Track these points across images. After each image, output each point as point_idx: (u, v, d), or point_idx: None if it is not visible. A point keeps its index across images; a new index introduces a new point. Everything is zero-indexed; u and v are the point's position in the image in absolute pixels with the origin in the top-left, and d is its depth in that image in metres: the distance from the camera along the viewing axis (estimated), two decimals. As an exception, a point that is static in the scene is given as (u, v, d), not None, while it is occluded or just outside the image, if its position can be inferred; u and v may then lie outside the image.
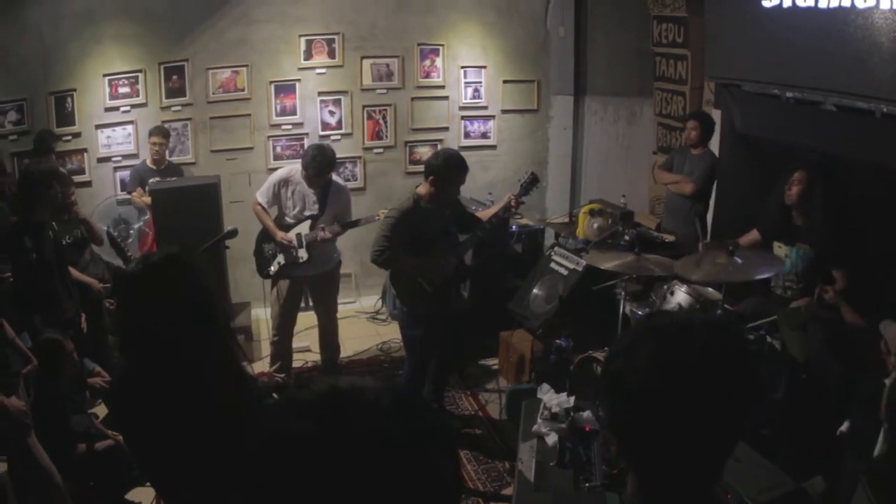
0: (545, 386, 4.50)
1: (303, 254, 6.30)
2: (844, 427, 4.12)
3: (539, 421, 4.16)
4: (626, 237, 6.49)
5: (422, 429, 1.13)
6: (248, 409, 2.90)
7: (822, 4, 5.26)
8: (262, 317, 7.76)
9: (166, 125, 7.76)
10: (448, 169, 5.30)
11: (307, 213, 6.32)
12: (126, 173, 7.72)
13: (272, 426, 1.11)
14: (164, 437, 2.59)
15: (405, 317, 5.67)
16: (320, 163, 6.09)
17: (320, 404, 1.11)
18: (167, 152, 7.65)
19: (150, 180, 7.26)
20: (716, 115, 7.25)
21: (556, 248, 6.82)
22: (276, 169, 6.87)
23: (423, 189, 5.40)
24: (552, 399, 4.25)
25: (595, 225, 6.74)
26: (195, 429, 2.55)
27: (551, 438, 3.99)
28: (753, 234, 5.88)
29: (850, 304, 4.78)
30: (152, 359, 2.67)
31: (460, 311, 5.90)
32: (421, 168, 8.59)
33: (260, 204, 6.37)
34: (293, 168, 6.35)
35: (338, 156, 8.27)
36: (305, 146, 8.21)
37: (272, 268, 6.42)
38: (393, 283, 5.75)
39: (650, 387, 1.44)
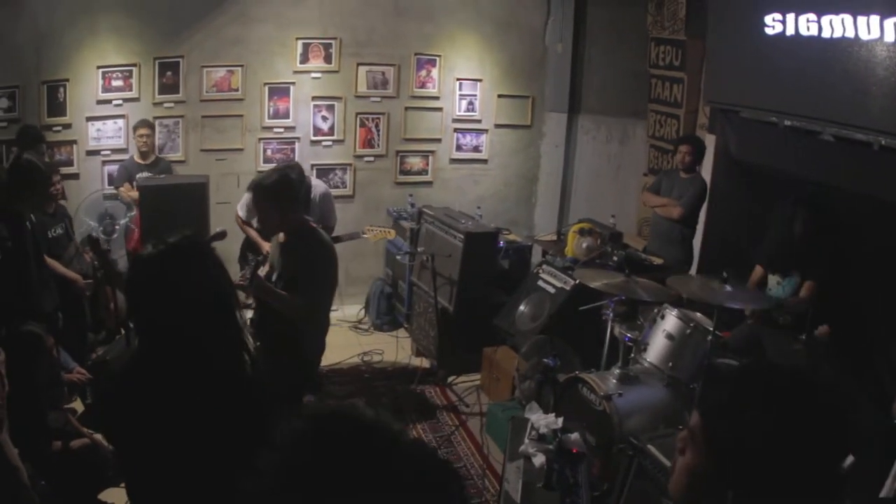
0: (534, 405, 4.46)
1: None
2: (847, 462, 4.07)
3: (526, 441, 4.12)
4: (615, 258, 6.46)
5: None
6: (259, 408, 2.68)
7: (826, 34, 5.27)
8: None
9: (156, 121, 7.69)
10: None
11: None
12: (115, 167, 7.60)
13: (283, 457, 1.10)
14: (165, 435, 2.41)
15: None
16: None
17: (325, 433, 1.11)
18: (155, 147, 7.54)
19: (139, 175, 7.16)
20: (709, 139, 7.25)
21: (544, 266, 6.76)
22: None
23: None
24: (540, 419, 4.21)
25: (584, 244, 6.70)
26: (203, 425, 2.37)
27: (538, 459, 3.95)
28: (758, 272, 5.90)
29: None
30: (167, 349, 2.45)
31: None
32: (410, 178, 8.67)
33: (241, 217, 6.33)
34: None
35: (328, 162, 8.28)
36: (297, 150, 8.19)
37: None
38: None
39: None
